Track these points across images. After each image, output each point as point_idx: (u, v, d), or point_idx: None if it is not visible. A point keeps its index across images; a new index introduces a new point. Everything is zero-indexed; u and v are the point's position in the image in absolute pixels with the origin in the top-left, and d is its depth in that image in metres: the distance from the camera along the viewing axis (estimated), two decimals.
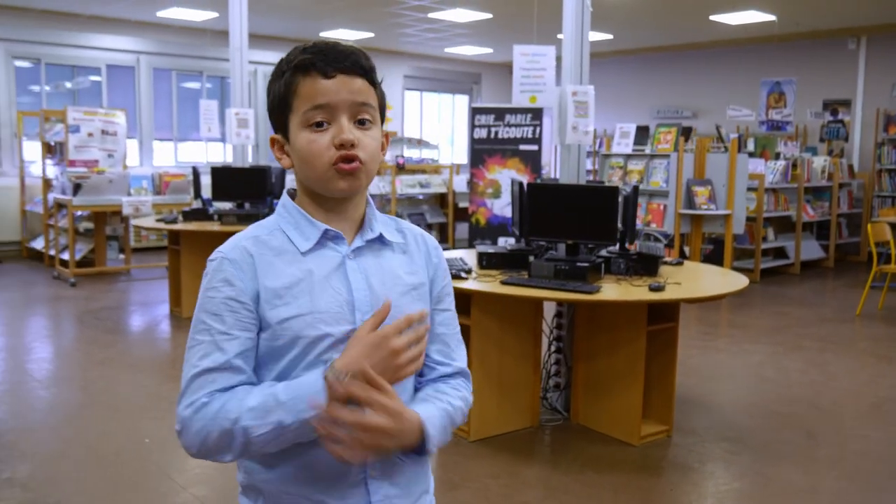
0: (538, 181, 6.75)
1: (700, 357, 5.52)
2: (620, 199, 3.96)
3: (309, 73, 1.20)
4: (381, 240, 1.30)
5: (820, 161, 9.83)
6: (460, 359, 1.37)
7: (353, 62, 1.21)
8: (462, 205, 10.24)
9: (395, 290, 1.27)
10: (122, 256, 8.86)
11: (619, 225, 3.96)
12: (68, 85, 9.84)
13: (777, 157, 9.42)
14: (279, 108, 1.25)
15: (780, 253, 9.45)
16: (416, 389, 1.32)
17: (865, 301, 7.19)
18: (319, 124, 1.21)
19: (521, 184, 4.10)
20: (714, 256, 8.31)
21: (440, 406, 1.26)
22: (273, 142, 1.29)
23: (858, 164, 10.75)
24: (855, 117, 10.83)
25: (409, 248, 1.33)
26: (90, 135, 8.30)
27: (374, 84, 1.25)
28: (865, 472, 3.65)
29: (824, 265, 9.88)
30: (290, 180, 10.06)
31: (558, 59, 4.46)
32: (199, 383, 1.17)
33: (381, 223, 1.31)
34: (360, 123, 1.22)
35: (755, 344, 5.98)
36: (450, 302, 1.37)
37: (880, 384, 5.00)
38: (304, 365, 1.20)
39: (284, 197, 1.30)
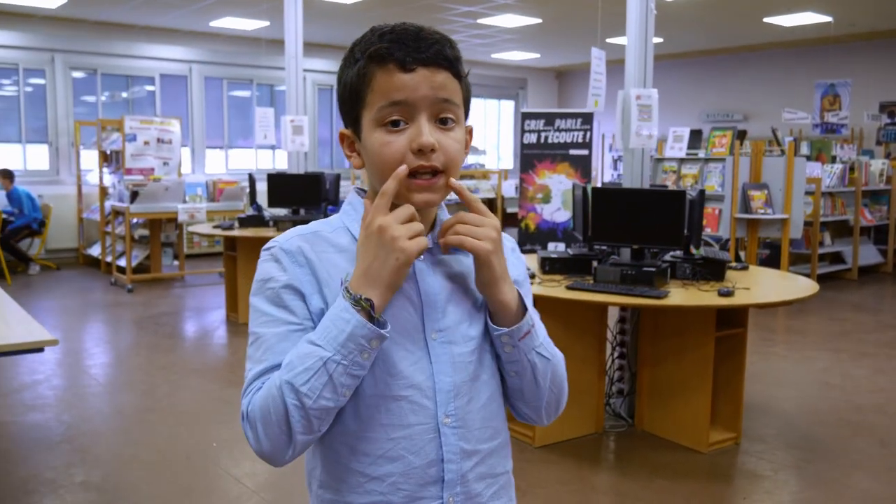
0: (604, 185, 6.70)
1: (762, 363, 5.42)
2: (686, 203, 3.91)
3: (385, 65, 1.06)
4: None
5: (878, 164, 9.62)
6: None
7: (437, 52, 1.07)
8: (510, 210, 10.21)
9: (467, 296, 1.15)
10: (176, 263, 9.00)
11: (685, 229, 3.91)
12: (123, 94, 10.03)
13: (833, 160, 9.23)
14: (350, 101, 1.11)
15: (836, 258, 9.26)
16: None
17: None
18: (395, 123, 1.07)
19: (584, 188, 4.07)
20: (770, 261, 8.16)
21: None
22: (343, 138, 1.16)
23: None
24: None
25: None
26: (146, 143, 8.45)
27: (460, 76, 1.11)
28: None
29: (882, 270, 9.66)
30: (345, 186, 10.15)
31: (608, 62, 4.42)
32: (263, 379, 1.08)
33: None
34: (442, 123, 1.08)
35: (817, 350, 5.86)
36: (532, 307, 1.23)
37: None
38: (372, 379, 1.10)
39: (352, 194, 1.19)
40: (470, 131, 1.17)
